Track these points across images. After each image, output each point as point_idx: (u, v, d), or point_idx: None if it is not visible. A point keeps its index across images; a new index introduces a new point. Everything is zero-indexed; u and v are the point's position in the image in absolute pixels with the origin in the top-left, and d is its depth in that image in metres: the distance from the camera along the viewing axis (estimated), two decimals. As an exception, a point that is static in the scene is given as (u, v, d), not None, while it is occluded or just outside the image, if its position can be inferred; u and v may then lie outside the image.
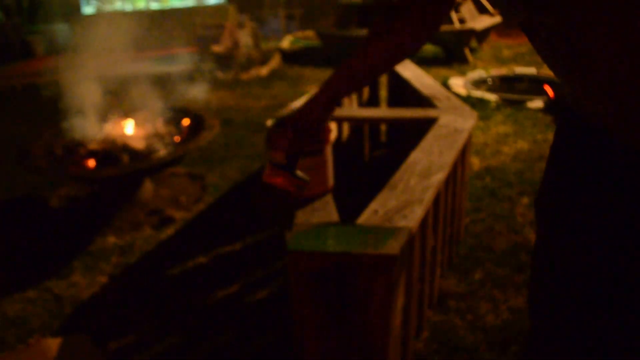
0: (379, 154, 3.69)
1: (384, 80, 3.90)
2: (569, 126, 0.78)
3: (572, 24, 0.63)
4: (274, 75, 6.86)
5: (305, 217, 1.50)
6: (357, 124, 3.38)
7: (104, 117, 3.28)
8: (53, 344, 1.86)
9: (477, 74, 6.00)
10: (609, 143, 0.68)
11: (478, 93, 5.10)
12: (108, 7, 9.63)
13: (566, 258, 0.78)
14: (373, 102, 3.74)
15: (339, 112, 2.78)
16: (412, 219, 1.46)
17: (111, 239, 2.80)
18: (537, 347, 0.87)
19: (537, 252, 0.86)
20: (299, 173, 1.13)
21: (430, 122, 2.29)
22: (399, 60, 1.04)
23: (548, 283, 0.82)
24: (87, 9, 9.53)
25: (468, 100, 4.76)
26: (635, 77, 0.60)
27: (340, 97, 1.08)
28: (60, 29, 9.41)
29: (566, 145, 0.79)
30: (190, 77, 6.50)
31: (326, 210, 1.52)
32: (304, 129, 1.10)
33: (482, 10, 7.55)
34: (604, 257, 0.72)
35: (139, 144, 3.06)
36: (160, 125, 3.26)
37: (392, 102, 3.78)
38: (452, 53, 6.70)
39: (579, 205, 0.75)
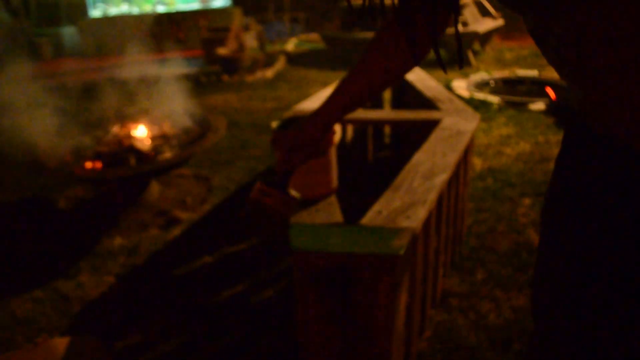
0: (383, 156, 3.71)
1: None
2: (577, 134, 0.76)
3: (581, 32, 0.62)
4: (279, 77, 6.89)
5: (309, 217, 1.52)
6: (360, 125, 3.40)
7: (110, 119, 3.32)
8: (60, 343, 1.87)
9: (480, 76, 6.01)
10: (617, 152, 0.67)
11: (480, 95, 5.11)
12: (115, 10, 9.67)
13: (574, 270, 0.76)
14: (376, 104, 3.76)
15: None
16: (416, 219, 1.47)
17: (118, 240, 2.82)
18: (542, 352, 0.87)
19: (543, 261, 0.84)
20: (292, 192, 1.13)
21: (433, 124, 2.31)
22: (389, 83, 1.05)
23: (554, 292, 0.81)
24: (94, 12, 9.58)
25: (471, 102, 4.78)
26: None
27: (335, 118, 1.09)
28: (68, 32, 9.47)
29: (574, 154, 0.77)
30: (196, 80, 6.54)
31: (330, 211, 1.53)
32: (298, 148, 1.11)
33: (484, 13, 7.57)
34: (613, 268, 0.71)
35: (146, 146, 3.09)
36: (166, 127, 3.29)
37: (396, 104, 3.80)
38: (455, 56, 6.72)
39: (587, 215, 0.73)
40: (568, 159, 0.79)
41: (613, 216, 0.70)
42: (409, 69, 1.03)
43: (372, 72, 1.03)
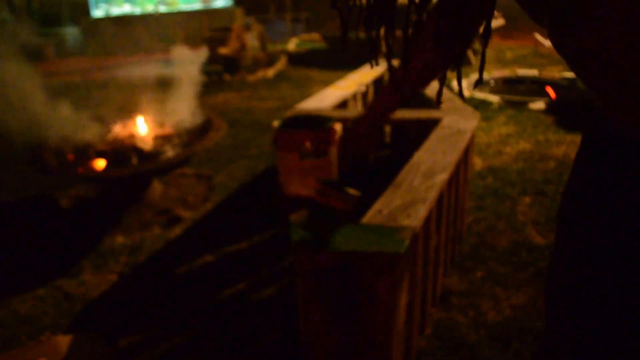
0: (383, 155, 3.72)
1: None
2: (597, 134, 0.76)
3: (554, 29, 0.65)
4: (280, 76, 6.90)
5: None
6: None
7: (112, 119, 3.33)
8: (63, 341, 1.88)
9: (481, 75, 6.01)
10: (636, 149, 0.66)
11: (481, 94, 5.12)
12: (117, 10, 9.68)
13: (592, 276, 0.76)
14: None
15: (344, 113, 2.81)
16: (416, 218, 1.47)
17: (120, 239, 2.84)
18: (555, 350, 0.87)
19: (560, 257, 0.84)
20: (349, 190, 1.21)
21: (433, 123, 2.32)
22: (431, 77, 1.16)
23: (572, 287, 0.81)
24: (97, 12, 9.59)
25: (471, 101, 4.79)
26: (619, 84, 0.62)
27: (384, 113, 1.17)
28: (70, 32, 9.49)
29: (594, 156, 0.76)
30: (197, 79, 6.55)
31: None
32: (352, 145, 1.18)
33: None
34: (633, 273, 0.71)
35: (148, 145, 3.10)
36: (168, 127, 3.31)
37: (396, 104, 3.80)
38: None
39: (607, 219, 0.73)
40: (588, 157, 0.79)
41: (633, 213, 0.70)
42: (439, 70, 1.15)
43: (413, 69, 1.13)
